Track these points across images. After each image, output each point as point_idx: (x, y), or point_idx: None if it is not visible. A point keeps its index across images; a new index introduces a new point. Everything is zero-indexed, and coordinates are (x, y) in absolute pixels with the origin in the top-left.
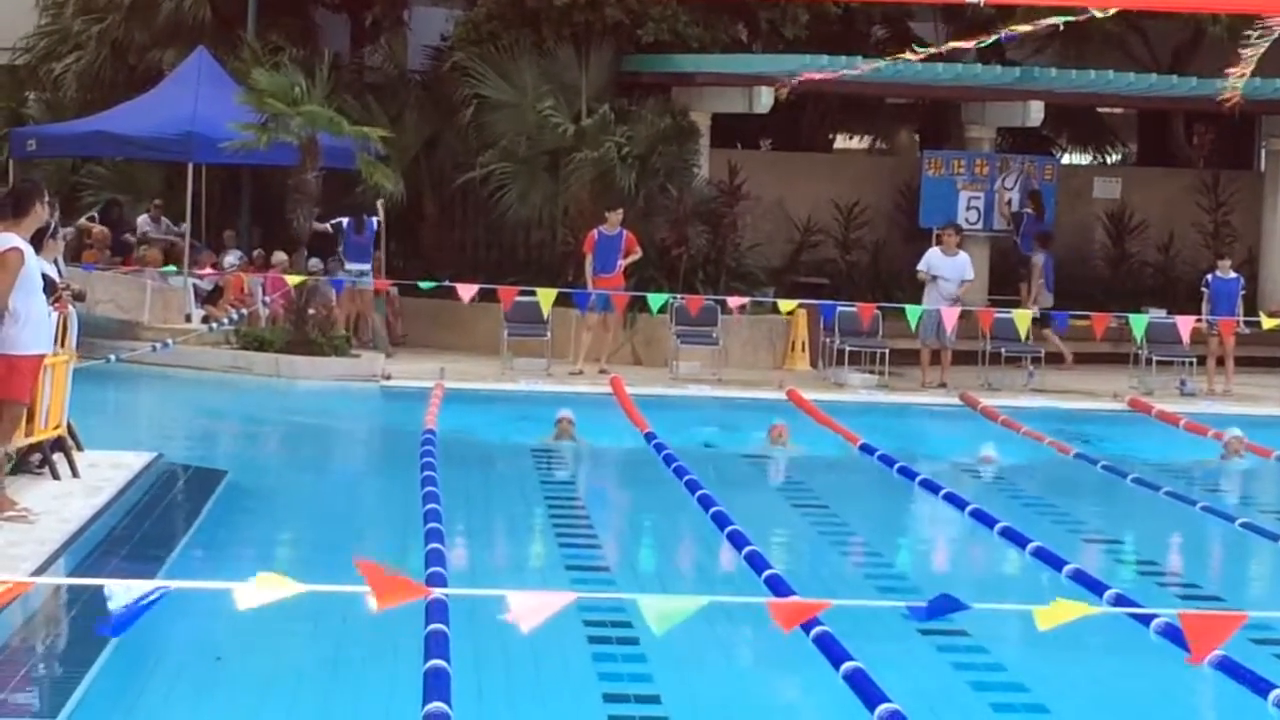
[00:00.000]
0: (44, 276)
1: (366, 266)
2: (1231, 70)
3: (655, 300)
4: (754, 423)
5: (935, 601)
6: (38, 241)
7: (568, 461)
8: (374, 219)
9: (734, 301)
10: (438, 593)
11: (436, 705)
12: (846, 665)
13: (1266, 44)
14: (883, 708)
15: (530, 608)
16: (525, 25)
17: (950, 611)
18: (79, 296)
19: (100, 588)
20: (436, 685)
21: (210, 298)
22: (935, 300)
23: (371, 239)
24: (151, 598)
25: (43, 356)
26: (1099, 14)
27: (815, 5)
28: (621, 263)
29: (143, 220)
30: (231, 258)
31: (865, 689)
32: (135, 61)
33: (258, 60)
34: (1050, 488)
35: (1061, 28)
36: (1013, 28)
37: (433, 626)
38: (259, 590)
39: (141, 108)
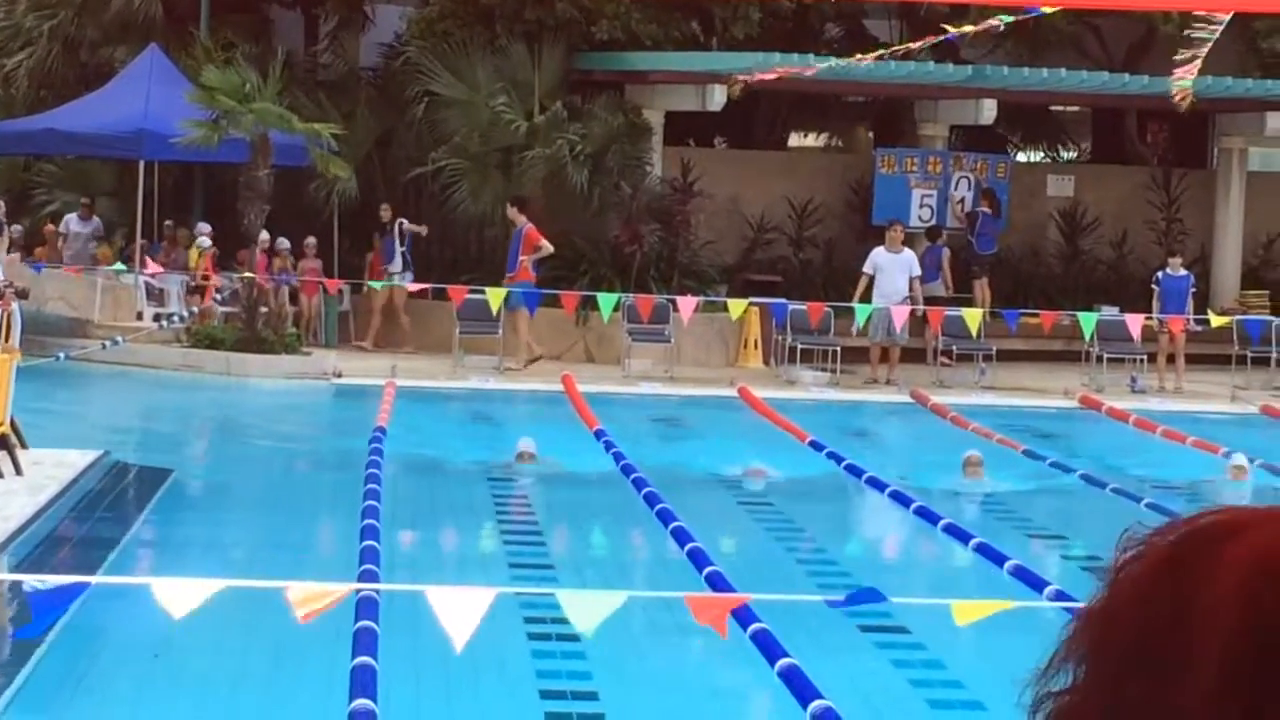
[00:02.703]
0: None
1: (400, 268)
2: (1178, 71)
3: (606, 303)
4: (706, 420)
5: (854, 594)
6: None
7: (515, 462)
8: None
9: (685, 306)
10: (362, 589)
11: (362, 702)
12: (782, 662)
13: (1207, 46)
14: (815, 704)
15: (459, 612)
16: (478, 22)
17: (868, 602)
18: (22, 294)
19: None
20: (363, 682)
21: (192, 292)
22: (881, 297)
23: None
24: (68, 595)
25: None
26: (1046, 11)
27: (768, 4)
28: (522, 259)
29: (71, 219)
30: (205, 240)
31: (799, 685)
32: (87, 58)
33: (210, 57)
34: (998, 484)
35: (1002, 27)
36: (963, 28)
37: (361, 623)
38: (185, 591)
39: (93, 105)
